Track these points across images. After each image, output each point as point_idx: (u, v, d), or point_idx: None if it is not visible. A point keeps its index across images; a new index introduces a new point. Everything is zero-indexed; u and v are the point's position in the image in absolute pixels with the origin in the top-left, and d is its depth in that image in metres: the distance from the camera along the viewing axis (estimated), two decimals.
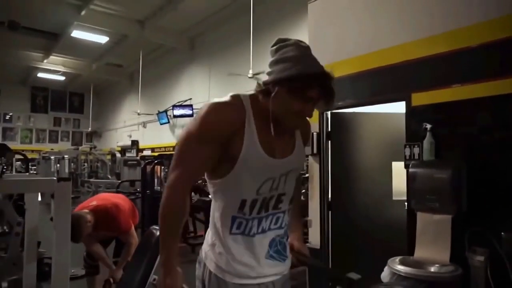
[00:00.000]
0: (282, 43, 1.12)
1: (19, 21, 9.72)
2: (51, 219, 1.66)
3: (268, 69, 1.13)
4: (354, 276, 1.09)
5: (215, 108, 1.08)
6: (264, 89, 1.11)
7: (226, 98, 1.12)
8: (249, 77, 7.71)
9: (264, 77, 1.14)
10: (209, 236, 1.22)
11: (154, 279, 2.25)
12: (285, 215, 1.21)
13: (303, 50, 1.10)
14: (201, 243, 1.27)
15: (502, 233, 1.95)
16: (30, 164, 7.95)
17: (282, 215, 1.20)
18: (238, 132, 1.08)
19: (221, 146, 1.08)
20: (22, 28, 10.04)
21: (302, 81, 1.05)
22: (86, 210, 2.76)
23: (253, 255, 1.15)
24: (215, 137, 1.07)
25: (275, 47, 1.13)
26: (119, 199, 3.09)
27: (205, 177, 1.18)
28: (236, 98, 1.12)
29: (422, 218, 2.21)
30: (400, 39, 2.67)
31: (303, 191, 3.71)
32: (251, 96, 1.15)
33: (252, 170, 1.09)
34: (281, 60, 1.09)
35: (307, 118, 1.20)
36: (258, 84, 1.14)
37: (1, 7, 8.82)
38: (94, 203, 2.89)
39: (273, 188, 1.14)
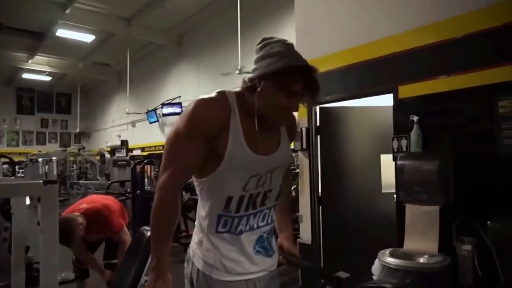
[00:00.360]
0: (267, 41, 1.14)
1: (2, 21, 9.54)
2: (38, 223, 1.62)
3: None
4: (343, 275, 1.10)
5: (202, 104, 1.09)
6: (250, 85, 1.12)
7: (212, 94, 1.13)
8: (237, 74, 7.69)
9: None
10: (196, 234, 1.21)
11: (146, 281, 2.23)
12: (271, 211, 1.22)
13: (287, 47, 1.12)
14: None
15: (488, 222, 1.97)
16: (17, 167, 7.81)
17: (268, 211, 1.21)
18: (224, 129, 1.08)
19: (208, 142, 1.08)
20: (6, 28, 9.83)
21: (287, 74, 1.06)
22: (77, 213, 2.73)
23: (241, 252, 1.15)
24: (203, 132, 1.08)
25: (260, 45, 1.14)
26: (109, 200, 3.06)
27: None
28: (222, 94, 1.13)
29: (410, 210, 2.23)
30: (387, 31, 2.68)
31: (294, 186, 3.73)
32: (237, 93, 1.15)
33: (237, 167, 1.09)
34: (267, 55, 1.10)
35: (294, 113, 1.21)
36: (244, 81, 1.15)
37: None
38: (84, 205, 2.85)
39: (259, 185, 1.14)
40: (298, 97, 1.10)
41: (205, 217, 1.16)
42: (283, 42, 1.12)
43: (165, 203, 1.09)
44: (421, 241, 2.12)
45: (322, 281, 1.19)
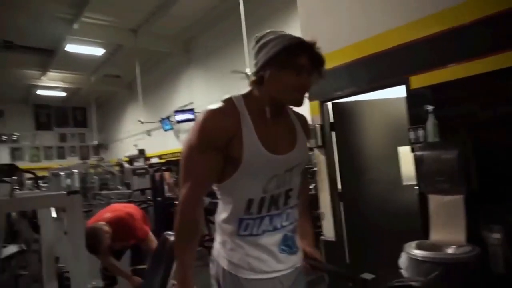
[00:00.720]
0: (258, 37, 1.15)
1: (12, 40, 9.80)
2: (65, 233, 1.68)
3: None
4: (368, 276, 1.09)
5: (210, 116, 1.09)
6: (257, 78, 1.12)
7: (219, 103, 1.13)
8: (247, 73, 7.71)
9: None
10: (218, 235, 1.22)
11: (173, 285, 2.27)
12: (294, 210, 1.22)
13: (280, 32, 1.13)
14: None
15: None
16: (41, 181, 8.01)
17: (291, 210, 1.21)
18: (237, 135, 1.08)
19: (222, 151, 1.09)
20: (16, 47, 10.11)
21: (289, 51, 1.06)
22: (103, 222, 2.79)
23: (265, 251, 1.15)
24: (215, 143, 1.08)
25: (254, 41, 1.16)
26: (131, 208, 3.11)
27: None
28: (228, 101, 1.13)
29: (433, 200, 2.21)
30: (393, 23, 2.65)
31: (313, 185, 3.72)
32: (243, 95, 1.16)
33: (255, 169, 1.09)
34: (263, 45, 1.11)
35: (305, 116, 1.22)
36: (250, 79, 1.16)
37: None
38: (108, 214, 2.91)
39: (279, 185, 1.14)
40: (306, 73, 1.09)
41: (226, 221, 1.16)
42: (274, 31, 1.13)
43: (186, 218, 1.10)
44: (448, 232, 2.09)
45: (351, 285, 1.19)
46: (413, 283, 1.07)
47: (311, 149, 3.22)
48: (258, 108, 1.12)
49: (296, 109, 1.27)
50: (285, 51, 1.06)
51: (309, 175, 5.29)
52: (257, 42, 1.14)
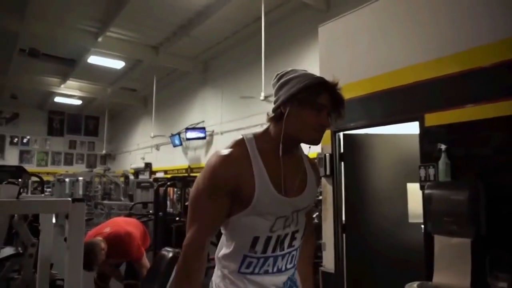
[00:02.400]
0: (281, 73, 1.16)
1: (39, 49, 10.16)
2: (65, 239, 1.66)
3: None
4: None
5: (220, 162, 1.08)
6: (276, 114, 1.12)
7: (230, 145, 1.13)
8: (261, 100, 7.80)
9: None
10: (217, 269, 1.20)
11: None
12: (297, 252, 1.20)
13: (303, 71, 1.14)
14: (213, 266, 1.24)
15: None
16: (45, 186, 8.06)
17: (295, 252, 1.19)
18: (248, 179, 1.07)
19: (232, 195, 1.08)
20: (42, 55, 10.46)
21: (311, 90, 1.07)
22: (100, 238, 2.78)
23: None
24: (224, 190, 1.07)
25: (276, 79, 1.17)
26: (131, 226, 3.10)
27: None
28: (239, 143, 1.13)
29: (440, 241, 2.15)
30: (412, 60, 2.68)
31: (316, 213, 3.66)
32: (255, 135, 1.15)
33: (264, 210, 1.08)
34: (285, 82, 1.12)
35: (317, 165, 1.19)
36: (268, 115, 1.16)
37: (22, 35, 9.20)
38: (108, 230, 2.91)
39: (286, 226, 1.13)
40: (325, 112, 1.09)
41: (228, 257, 1.14)
42: (297, 69, 1.15)
43: (189, 261, 1.08)
44: (452, 275, 2.03)
45: None
46: None
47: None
48: (271, 148, 1.11)
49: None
50: (307, 90, 1.07)
51: (314, 206, 5.25)
52: (279, 79, 1.15)
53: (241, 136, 1.15)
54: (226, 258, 1.15)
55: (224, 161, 1.08)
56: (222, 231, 1.17)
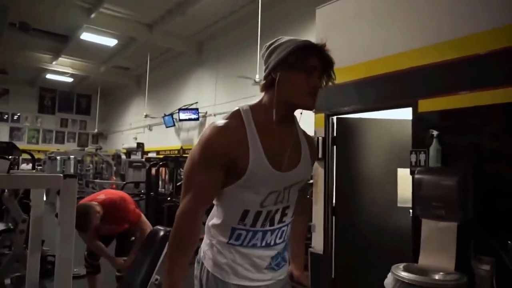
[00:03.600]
0: (269, 43, 1.16)
1: (30, 23, 9.89)
2: (56, 215, 1.66)
3: None
4: None
5: (215, 133, 1.07)
6: (267, 81, 1.12)
7: (226, 117, 1.12)
8: (256, 82, 7.75)
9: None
10: (206, 237, 1.21)
11: (156, 279, 2.25)
12: (288, 228, 1.20)
13: (290, 37, 1.13)
14: None
15: (509, 242, 1.92)
16: (36, 164, 8.00)
17: (286, 228, 1.19)
18: (243, 151, 1.07)
19: (226, 167, 1.07)
20: (33, 30, 10.19)
21: (300, 52, 1.06)
22: (96, 202, 2.79)
23: (253, 266, 1.13)
24: (218, 162, 1.06)
25: (265, 48, 1.16)
26: (124, 194, 3.12)
27: None
28: (235, 115, 1.12)
29: (427, 225, 2.19)
30: (407, 45, 2.67)
31: (308, 196, 3.70)
32: (251, 106, 1.14)
33: (257, 183, 1.08)
34: (274, 49, 1.12)
35: (314, 138, 1.19)
36: (261, 83, 1.16)
37: (12, 9, 8.94)
38: (102, 196, 2.92)
39: (278, 201, 1.13)
40: (316, 73, 1.09)
41: (217, 227, 1.15)
42: (284, 37, 1.14)
43: (182, 231, 1.09)
44: (437, 258, 2.08)
45: None
46: None
47: None
48: (266, 119, 1.11)
49: (303, 113, 1.26)
50: (296, 52, 1.06)
51: (308, 197, 5.29)
52: (268, 48, 1.14)
53: (237, 108, 1.14)
54: (216, 228, 1.16)
55: (219, 132, 1.07)
56: (214, 201, 1.18)
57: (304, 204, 1.40)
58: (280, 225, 1.16)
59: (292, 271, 1.30)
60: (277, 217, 1.14)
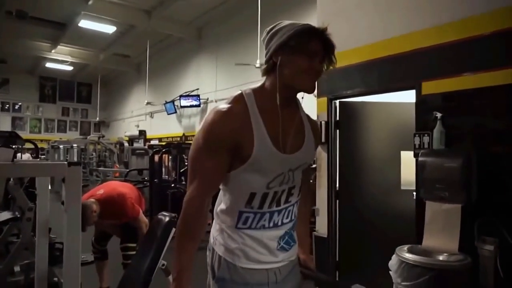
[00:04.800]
0: (270, 27, 1.15)
1: (27, 11, 9.78)
2: (62, 203, 1.67)
3: None
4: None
5: (219, 117, 1.07)
6: (269, 64, 1.11)
7: (228, 101, 1.11)
8: (256, 67, 7.68)
9: None
10: (216, 223, 1.21)
11: (163, 265, 2.28)
12: (295, 207, 1.21)
13: (291, 21, 1.12)
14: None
15: None
16: (39, 153, 8.03)
17: (292, 207, 1.20)
18: (247, 134, 1.06)
19: (231, 152, 1.07)
20: (30, 18, 10.08)
21: (302, 35, 1.05)
22: (93, 200, 2.82)
23: (263, 247, 1.14)
24: (223, 145, 1.06)
25: (265, 32, 1.15)
26: (126, 188, 3.13)
27: None
28: (238, 99, 1.11)
29: (431, 207, 2.20)
30: (410, 27, 2.63)
31: (311, 181, 3.71)
32: (254, 90, 1.14)
33: (263, 165, 1.08)
34: (275, 33, 1.10)
35: (317, 121, 1.20)
36: (262, 67, 1.15)
37: None
38: (101, 191, 2.95)
39: (283, 183, 1.13)
40: (318, 58, 1.08)
41: (225, 212, 1.16)
42: (285, 21, 1.13)
43: (190, 217, 1.09)
44: (441, 239, 2.09)
45: None
46: None
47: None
48: (269, 103, 1.10)
49: (305, 98, 1.26)
50: (297, 36, 1.05)
51: (311, 179, 5.30)
52: (269, 32, 1.14)
53: (240, 91, 1.14)
54: (224, 212, 1.16)
55: (223, 117, 1.07)
56: (220, 186, 1.18)
57: (307, 188, 1.40)
58: (286, 205, 1.17)
59: (298, 254, 1.31)
60: (283, 197, 1.15)
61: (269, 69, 1.12)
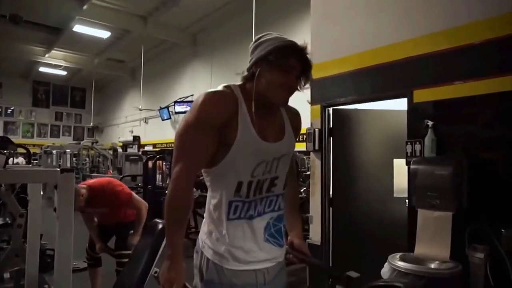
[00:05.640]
0: (258, 36, 1.23)
1: (21, 15, 9.74)
2: (55, 209, 1.67)
3: None
4: (353, 274, 1.11)
5: (210, 97, 1.12)
6: (249, 74, 1.19)
7: (219, 88, 1.18)
8: None
9: None
10: (205, 225, 1.24)
11: (156, 272, 2.26)
12: (278, 199, 1.25)
13: (277, 34, 1.20)
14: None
15: (502, 230, 1.95)
16: (32, 158, 7.96)
17: (275, 198, 1.23)
18: (233, 119, 1.12)
19: (218, 133, 1.12)
20: (24, 22, 10.03)
21: (280, 52, 1.13)
22: (83, 185, 2.83)
23: (251, 239, 1.17)
24: (212, 124, 1.11)
25: (253, 41, 1.23)
26: (113, 179, 3.18)
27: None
28: (227, 87, 1.18)
29: (422, 214, 2.22)
30: (402, 36, 2.67)
31: (304, 188, 3.72)
32: (240, 85, 1.21)
33: (246, 153, 1.13)
34: (259, 44, 1.18)
35: (299, 111, 1.32)
36: (243, 75, 1.22)
37: (3, 1, 8.80)
38: (92, 180, 3.02)
39: (266, 171, 1.18)
40: (294, 74, 1.15)
41: (216, 206, 1.18)
42: (272, 33, 1.21)
43: (178, 194, 1.12)
44: (433, 247, 2.11)
45: (331, 280, 1.20)
46: (397, 284, 1.07)
47: (307, 152, 3.23)
48: (251, 99, 1.17)
49: (299, 105, 1.31)
50: (276, 52, 1.13)
51: (301, 178, 5.31)
52: (255, 42, 1.21)
53: (228, 83, 1.21)
54: (216, 206, 1.19)
55: (213, 97, 1.13)
56: (208, 183, 1.22)
57: (293, 181, 1.45)
58: (268, 194, 1.21)
59: (292, 239, 1.35)
60: (265, 186, 1.20)
61: (248, 77, 1.20)
